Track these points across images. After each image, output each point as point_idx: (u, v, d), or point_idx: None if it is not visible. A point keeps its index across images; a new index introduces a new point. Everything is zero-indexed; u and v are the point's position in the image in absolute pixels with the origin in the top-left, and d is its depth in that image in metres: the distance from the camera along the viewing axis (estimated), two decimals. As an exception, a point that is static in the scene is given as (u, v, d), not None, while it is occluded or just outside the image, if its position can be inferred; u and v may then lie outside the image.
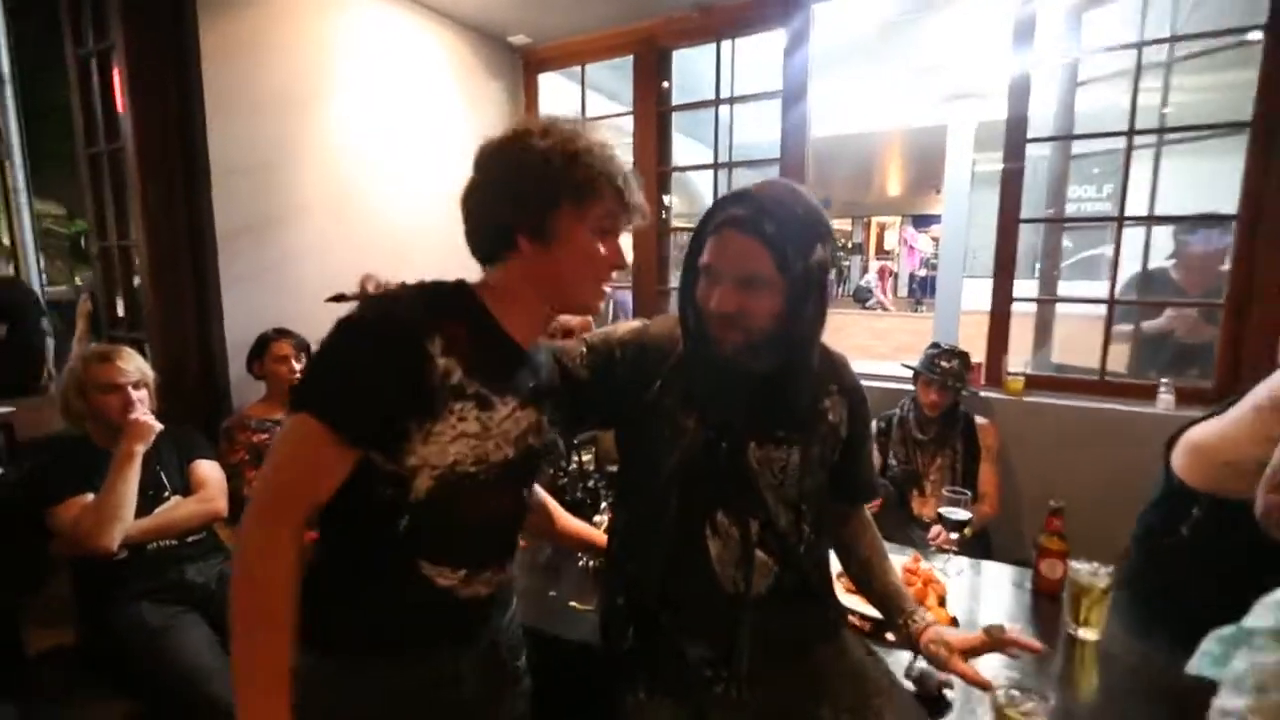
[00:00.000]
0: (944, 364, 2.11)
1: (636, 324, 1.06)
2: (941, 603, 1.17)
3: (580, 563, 1.47)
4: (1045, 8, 2.20)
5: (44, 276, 5.04)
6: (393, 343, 0.74)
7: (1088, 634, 1.20)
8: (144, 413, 1.62)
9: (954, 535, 1.51)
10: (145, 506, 1.68)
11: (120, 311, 2.30)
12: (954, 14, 5.34)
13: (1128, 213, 2.22)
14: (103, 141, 2.14)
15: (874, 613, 1.24)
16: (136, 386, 1.64)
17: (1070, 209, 8.61)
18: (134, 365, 1.67)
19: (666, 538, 0.93)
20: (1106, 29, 2.24)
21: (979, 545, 2.00)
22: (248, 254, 2.19)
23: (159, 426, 1.62)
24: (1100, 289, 2.21)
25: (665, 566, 0.94)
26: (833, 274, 0.90)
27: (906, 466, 2.18)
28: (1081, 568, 1.22)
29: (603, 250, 0.83)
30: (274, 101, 2.21)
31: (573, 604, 1.30)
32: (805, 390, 0.96)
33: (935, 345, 2.19)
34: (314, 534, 0.85)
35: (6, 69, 4.90)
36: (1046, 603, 1.38)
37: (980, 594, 1.43)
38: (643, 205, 0.86)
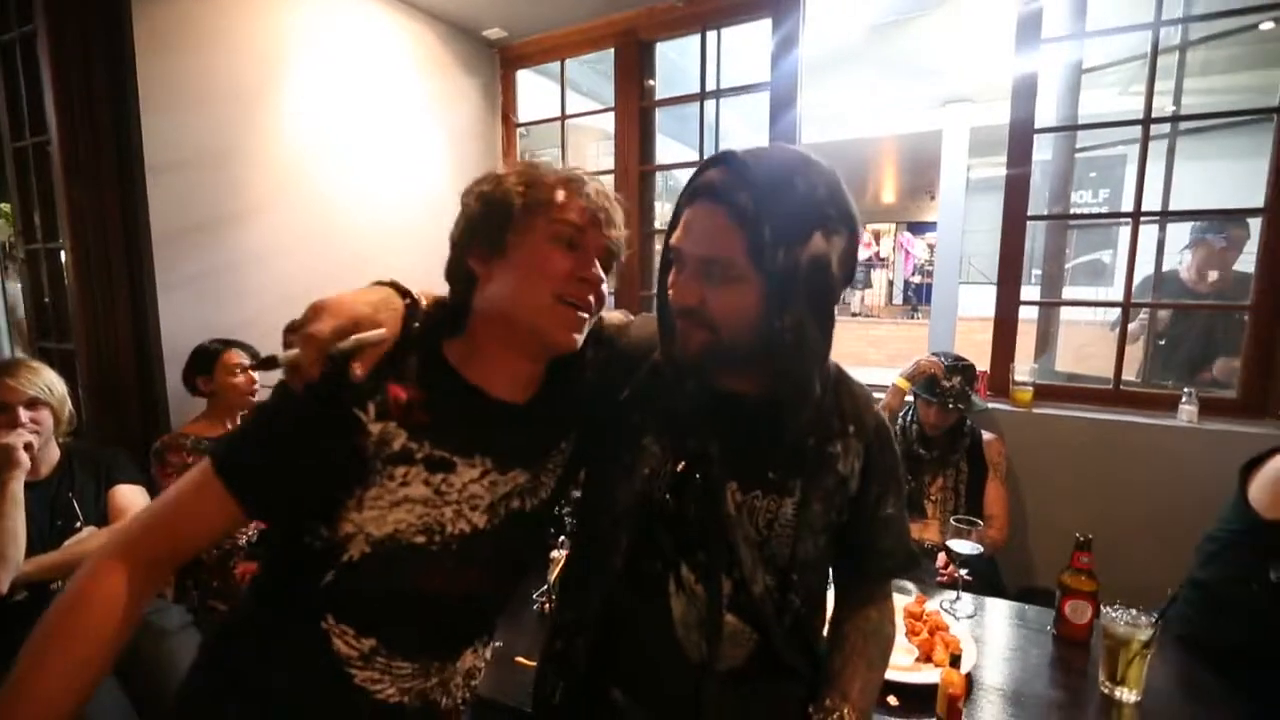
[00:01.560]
0: (944, 383, 1.90)
1: (618, 317, 0.87)
2: (955, 662, 0.99)
3: (536, 606, 1.28)
4: (1049, 2, 2.05)
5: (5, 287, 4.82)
6: (316, 412, 0.65)
7: (1126, 694, 1.02)
8: (16, 434, 1.40)
9: (963, 571, 1.33)
10: (53, 538, 1.49)
11: (50, 321, 2.11)
12: (946, 15, 5.24)
13: (1131, 211, 2.05)
14: (28, 134, 1.96)
15: (903, 677, 1.06)
16: (33, 406, 1.45)
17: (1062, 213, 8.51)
18: (35, 381, 1.47)
19: (608, 583, 0.75)
20: (1110, 21, 2.08)
21: (987, 574, 1.82)
22: (187, 258, 2.00)
23: (22, 442, 1.39)
24: (1100, 294, 2.04)
25: (604, 618, 0.76)
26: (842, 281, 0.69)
27: (908, 485, 1.98)
28: (1117, 615, 1.04)
29: (561, 260, 0.70)
30: (218, 95, 2.04)
31: (519, 659, 1.11)
32: (805, 424, 0.75)
33: (936, 358, 1.99)
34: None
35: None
36: (1072, 651, 1.20)
37: (994, 641, 1.24)
38: (617, 226, 0.74)
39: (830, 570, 0.85)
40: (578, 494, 0.87)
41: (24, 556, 1.37)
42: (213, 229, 2.07)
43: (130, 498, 1.62)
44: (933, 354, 2.00)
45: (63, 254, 1.96)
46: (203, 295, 2.04)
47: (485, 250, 0.72)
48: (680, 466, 0.74)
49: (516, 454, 0.74)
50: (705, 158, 0.74)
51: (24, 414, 1.43)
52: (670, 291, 0.71)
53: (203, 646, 0.75)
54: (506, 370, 0.73)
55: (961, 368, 1.93)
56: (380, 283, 0.74)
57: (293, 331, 0.68)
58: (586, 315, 0.72)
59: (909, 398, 2.04)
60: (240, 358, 1.90)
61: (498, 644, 1.17)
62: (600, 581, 0.76)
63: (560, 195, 0.71)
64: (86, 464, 1.60)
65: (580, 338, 0.72)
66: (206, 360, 1.90)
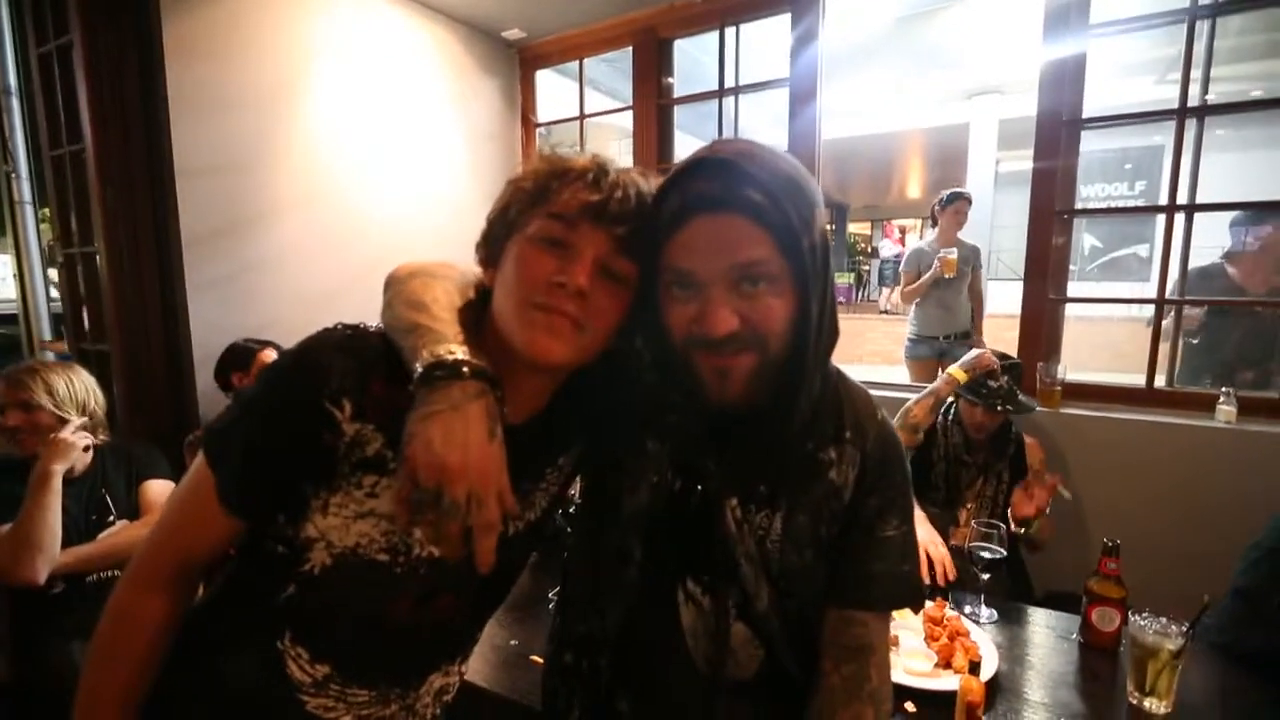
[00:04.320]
0: (991, 383, 1.75)
1: None
2: (974, 669, 0.96)
3: (551, 605, 1.28)
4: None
5: (49, 289, 4.99)
6: (288, 397, 0.61)
7: (1155, 705, 0.99)
8: (80, 436, 1.48)
9: (985, 576, 1.30)
10: (88, 531, 1.55)
11: (85, 322, 2.19)
12: (972, 5, 5.13)
13: (1165, 204, 1.97)
14: (65, 143, 2.03)
15: (920, 684, 1.04)
16: (26, 409, 1.50)
17: (1096, 207, 8.26)
18: (28, 384, 1.52)
19: (625, 597, 0.72)
20: (1120, 11, 1.99)
21: (1018, 579, 1.76)
22: (216, 259, 2.06)
23: (83, 444, 1.48)
24: (1130, 290, 1.95)
25: (626, 630, 0.73)
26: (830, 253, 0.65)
27: (946, 492, 1.84)
28: (1146, 624, 1.01)
29: (538, 262, 0.61)
30: (245, 100, 2.09)
31: (534, 658, 1.11)
32: (801, 429, 0.69)
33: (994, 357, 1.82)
34: None
35: (13, 81, 4.91)
36: (1099, 659, 1.16)
37: (1016, 647, 1.21)
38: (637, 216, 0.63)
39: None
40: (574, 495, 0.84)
41: (60, 549, 1.43)
42: (240, 231, 2.12)
43: (159, 492, 1.67)
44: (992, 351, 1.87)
45: (98, 257, 2.03)
46: (230, 296, 2.10)
47: (489, 258, 0.68)
48: (678, 484, 0.71)
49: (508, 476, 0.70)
50: (672, 173, 0.64)
51: (14, 417, 1.49)
52: (701, 325, 0.61)
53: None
54: (509, 387, 0.65)
55: (1009, 366, 1.80)
56: (441, 363, 0.58)
57: (427, 509, 0.54)
58: (565, 320, 0.61)
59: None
60: (274, 358, 1.95)
61: (514, 642, 1.17)
62: (617, 596, 0.73)
63: (555, 187, 0.63)
64: (119, 460, 1.66)
65: (564, 347, 0.62)
66: (244, 358, 1.96)
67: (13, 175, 5.02)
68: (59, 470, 1.42)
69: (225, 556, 0.69)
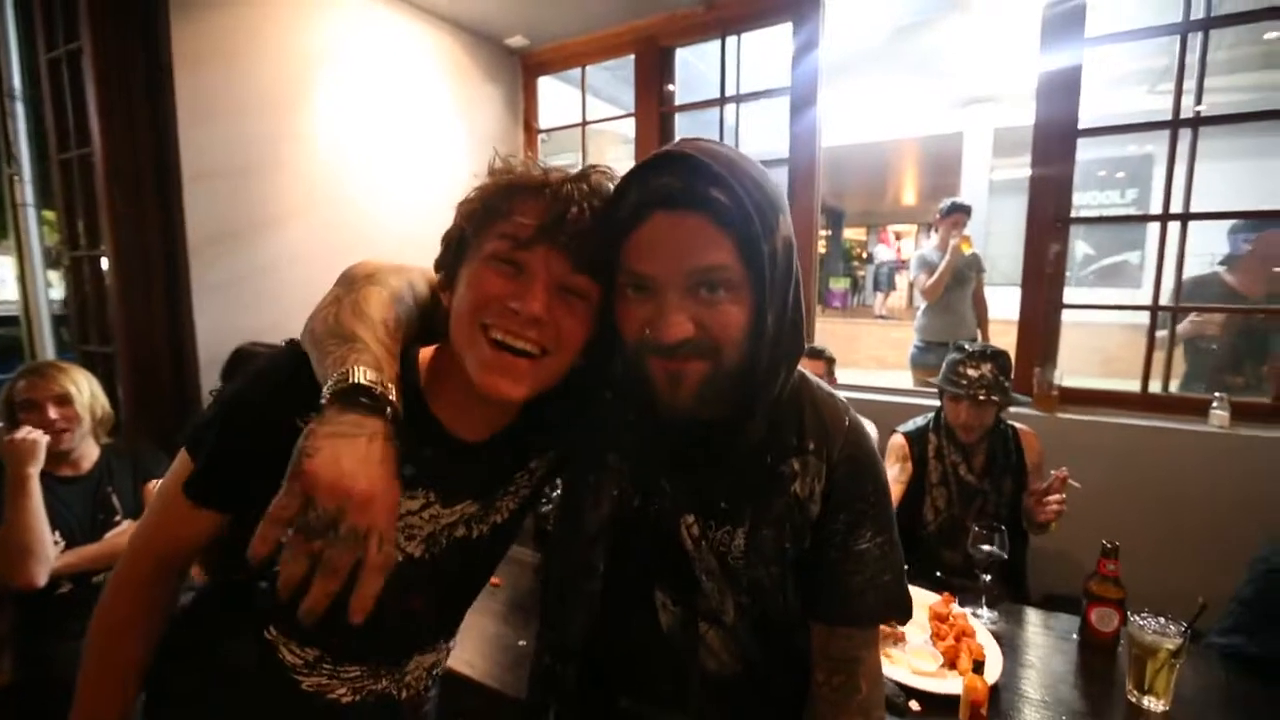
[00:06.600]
0: (970, 372, 1.59)
1: None
2: (978, 669, 0.98)
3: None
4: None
5: (50, 291, 4.99)
6: (256, 411, 0.63)
7: (1153, 704, 1.01)
8: (27, 430, 1.43)
9: (986, 577, 1.32)
10: (94, 531, 1.56)
11: (92, 324, 2.19)
12: (969, 15, 5.19)
13: (1160, 213, 2.01)
14: (74, 147, 2.04)
15: (926, 685, 1.05)
16: (61, 403, 1.51)
17: (1089, 215, 8.33)
18: (61, 380, 1.53)
19: (588, 609, 0.72)
20: (1118, 23, 2.03)
21: (1017, 583, 1.76)
22: (222, 262, 2.07)
23: (44, 439, 1.45)
24: (1121, 296, 1.98)
25: (592, 638, 0.73)
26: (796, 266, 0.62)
27: (949, 515, 1.68)
28: (1145, 623, 1.03)
29: (492, 283, 0.59)
30: (252, 106, 2.11)
31: (543, 657, 1.12)
32: (758, 442, 0.67)
33: (960, 348, 1.69)
34: None
35: (18, 84, 4.92)
36: (1098, 658, 1.18)
37: (1017, 647, 1.23)
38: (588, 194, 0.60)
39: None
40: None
41: (65, 548, 1.45)
42: (246, 235, 2.13)
43: (163, 493, 1.68)
44: (955, 347, 1.73)
45: (104, 260, 2.04)
46: (236, 299, 2.11)
47: (445, 281, 0.67)
48: (638, 500, 0.70)
49: (469, 487, 0.70)
50: (634, 167, 0.61)
51: (52, 410, 1.49)
52: (655, 331, 0.58)
53: (161, 643, 0.71)
54: (469, 407, 0.66)
55: (991, 354, 1.62)
56: (369, 390, 0.55)
57: (317, 535, 0.49)
58: (524, 357, 0.59)
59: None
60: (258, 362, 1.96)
61: (521, 643, 1.19)
62: (580, 608, 0.72)
63: (511, 203, 0.60)
64: (124, 461, 1.67)
65: (521, 387, 0.60)
66: (246, 362, 1.97)
67: (16, 178, 5.03)
68: (34, 473, 1.40)
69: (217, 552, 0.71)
